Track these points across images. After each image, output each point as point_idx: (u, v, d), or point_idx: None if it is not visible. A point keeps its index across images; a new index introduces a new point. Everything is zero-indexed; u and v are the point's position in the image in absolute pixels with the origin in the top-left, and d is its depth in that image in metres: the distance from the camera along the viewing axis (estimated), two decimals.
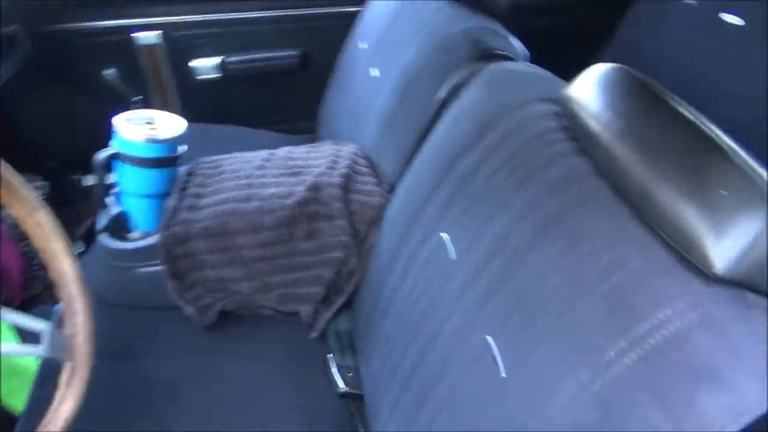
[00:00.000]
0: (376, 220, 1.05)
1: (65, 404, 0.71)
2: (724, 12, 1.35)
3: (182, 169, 1.12)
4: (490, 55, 0.98)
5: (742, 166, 0.52)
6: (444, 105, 1.00)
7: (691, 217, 0.52)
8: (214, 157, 1.17)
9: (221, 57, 1.63)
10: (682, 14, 1.45)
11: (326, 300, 1.05)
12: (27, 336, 0.76)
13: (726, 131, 0.58)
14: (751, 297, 0.51)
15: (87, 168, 1.10)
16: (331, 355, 1.03)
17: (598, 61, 0.73)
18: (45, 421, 0.70)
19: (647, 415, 0.49)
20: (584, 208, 0.63)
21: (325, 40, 1.60)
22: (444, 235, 0.82)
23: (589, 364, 0.54)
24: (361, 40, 1.42)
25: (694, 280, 0.52)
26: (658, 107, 0.62)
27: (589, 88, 0.69)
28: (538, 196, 0.69)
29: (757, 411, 0.45)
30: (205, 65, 1.64)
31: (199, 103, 1.68)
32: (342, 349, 1.05)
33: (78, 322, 0.75)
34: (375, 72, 1.28)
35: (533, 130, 0.75)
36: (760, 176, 0.51)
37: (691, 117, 0.59)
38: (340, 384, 0.99)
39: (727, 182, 0.51)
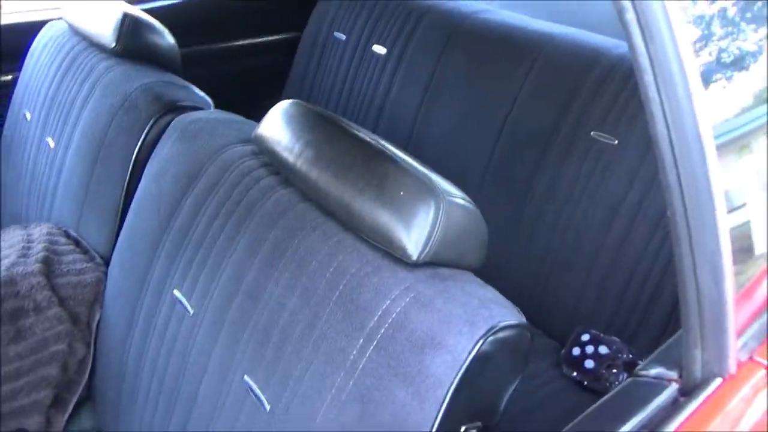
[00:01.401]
0: (95, 297, 0.96)
1: None
2: (372, 43, 1.60)
3: None
4: (175, 107, 0.99)
5: (409, 169, 0.64)
6: (140, 163, 0.97)
7: (385, 219, 0.62)
8: None
9: None
10: (337, 48, 1.67)
11: (57, 402, 0.92)
12: None
13: (387, 137, 0.71)
14: (443, 271, 0.64)
15: None
16: None
17: (282, 99, 0.81)
18: None
19: (395, 393, 0.57)
20: (302, 232, 0.70)
21: None
22: (176, 293, 0.80)
23: (339, 368, 0.61)
24: (26, 110, 1.28)
25: (401, 270, 0.62)
26: (335, 132, 0.72)
27: (276, 126, 0.76)
28: (259, 231, 0.73)
29: (468, 359, 0.56)
30: None
31: None
32: None
33: None
34: (51, 142, 1.17)
35: (237, 171, 0.79)
36: (423, 173, 0.64)
37: (363, 135, 0.70)
38: None
39: (402, 185, 0.63)
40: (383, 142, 0.69)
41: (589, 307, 1.24)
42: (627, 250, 1.20)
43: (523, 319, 0.62)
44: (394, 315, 0.59)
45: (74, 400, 0.94)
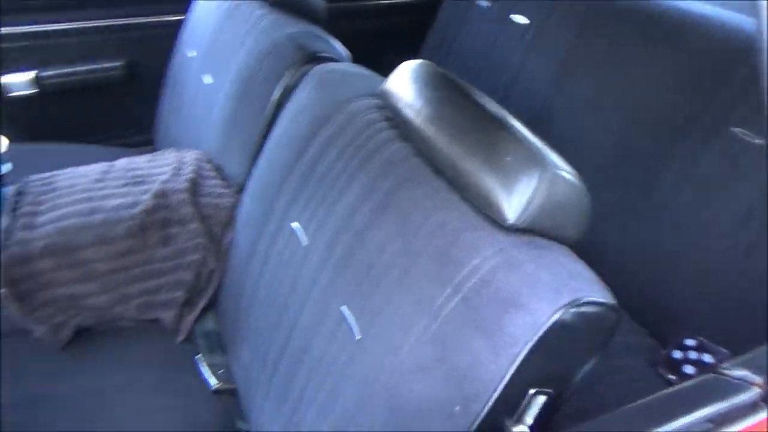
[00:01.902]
0: (229, 220, 1.09)
1: None
2: (513, 13, 1.59)
3: (9, 190, 1.07)
4: (315, 58, 1.07)
5: (520, 138, 0.67)
6: (279, 105, 1.07)
7: (488, 181, 0.66)
8: (45, 175, 1.12)
9: (35, 71, 1.54)
10: (479, 15, 1.67)
11: (189, 303, 1.08)
12: None
13: (517, 112, 0.73)
14: (540, 240, 0.66)
15: None
16: (200, 355, 1.06)
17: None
18: None
19: (471, 343, 0.61)
20: (411, 184, 0.75)
21: (150, 50, 1.58)
22: (295, 225, 0.89)
23: (425, 312, 0.66)
24: (189, 49, 1.43)
25: (497, 232, 0.66)
26: (456, 94, 0.75)
27: (401, 82, 0.81)
28: (372, 178, 0.80)
29: (547, 324, 0.59)
30: (17, 81, 1.54)
31: (14, 122, 1.56)
32: (211, 348, 1.08)
33: None
34: (208, 79, 1.31)
35: (361, 121, 0.85)
36: (534, 144, 0.66)
37: (482, 101, 0.73)
38: (212, 381, 1.02)
39: (511, 151, 0.65)
40: (502, 111, 0.72)
41: (700, 314, 1.18)
42: (756, 261, 1.13)
43: (612, 301, 0.63)
44: (482, 272, 0.63)
45: (202, 304, 1.09)
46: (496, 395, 0.59)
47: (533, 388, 0.62)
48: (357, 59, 1.12)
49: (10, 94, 1.53)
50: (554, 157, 0.66)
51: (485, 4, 1.64)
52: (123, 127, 1.66)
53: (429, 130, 0.73)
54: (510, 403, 0.61)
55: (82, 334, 1.03)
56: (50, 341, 1.00)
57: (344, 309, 0.76)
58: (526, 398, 0.62)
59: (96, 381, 0.98)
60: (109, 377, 0.98)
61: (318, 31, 1.16)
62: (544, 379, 0.62)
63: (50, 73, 1.55)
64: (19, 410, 0.91)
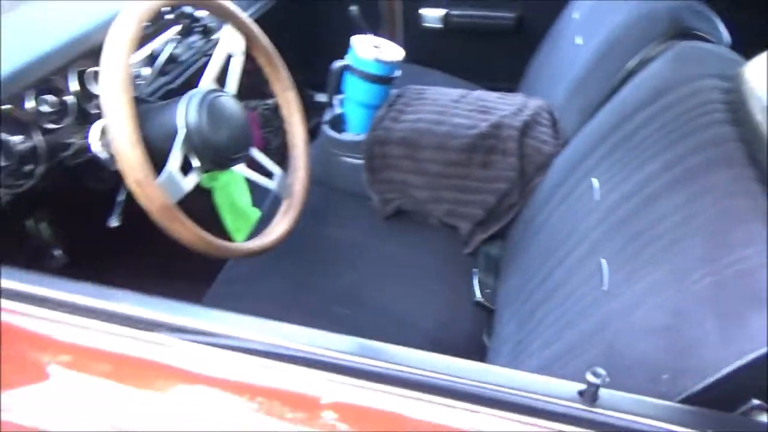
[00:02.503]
0: (543, 166, 1.19)
1: (280, 226, 1.01)
2: None
3: (394, 90, 1.36)
4: (685, 33, 1.04)
5: None
6: (631, 74, 1.09)
7: None
8: (421, 87, 1.39)
9: (446, 9, 1.84)
10: None
11: (484, 223, 1.23)
12: None
13: None
14: None
15: (320, 87, 1.39)
16: (477, 269, 1.21)
17: None
18: (264, 232, 1.00)
19: (705, 324, 0.60)
20: (718, 167, 0.72)
21: (541, 8, 1.72)
22: (594, 180, 0.94)
23: (675, 284, 0.66)
24: (575, 11, 1.52)
25: None
26: None
27: (761, 68, 0.76)
28: (683, 154, 0.79)
29: None
30: (432, 15, 1.86)
31: (421, 47, 1.90)
32: (487, 269, 1.22)
33: (298, 174, 1.04)
34: (579, 40, 1.38)
35: (698, 100, 0.83)
36: None
37: None
38: (477, 293, 1.17)
39: None
40: None
41: None
42: None
43: None
44: (749, 263, 0.59)
45: (494, 229, 1.23)
46: (709, 380, 0.57)
47: (758, 399, 0.57)
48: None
49: (425, 24, 1.88)
50: None
51: None
52: (498, 71, 1.86)
53: (760, 115, 0.69)
54: (722, 399, 0.58)
55: (399, 215, 1.29)
56: (378, 210, 1.28)
57: (603, 261, 0.80)
58: (746, 406, 0.58)
59: (392, 252, 1.22)
60: (402, 254, 1.22)
61: (703, 8, 1.11)
62: None
63: (457, 12, 1.83)
64: (342, 250, 1.21)
